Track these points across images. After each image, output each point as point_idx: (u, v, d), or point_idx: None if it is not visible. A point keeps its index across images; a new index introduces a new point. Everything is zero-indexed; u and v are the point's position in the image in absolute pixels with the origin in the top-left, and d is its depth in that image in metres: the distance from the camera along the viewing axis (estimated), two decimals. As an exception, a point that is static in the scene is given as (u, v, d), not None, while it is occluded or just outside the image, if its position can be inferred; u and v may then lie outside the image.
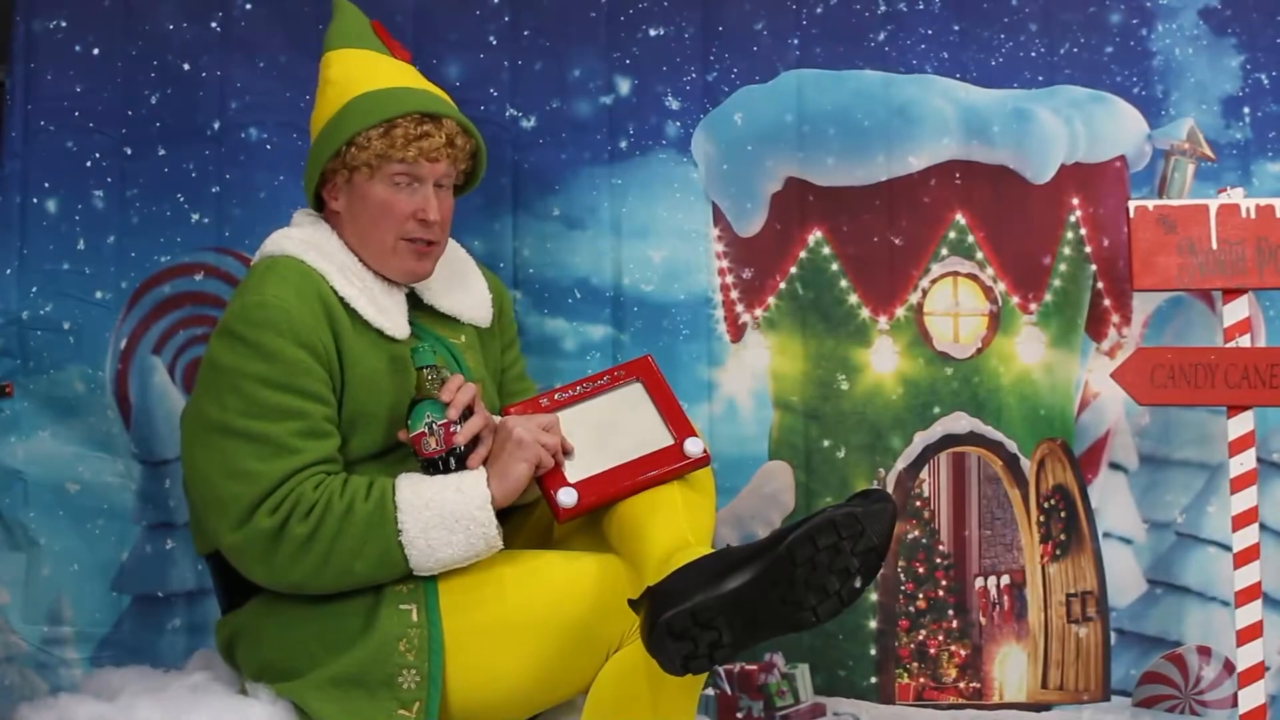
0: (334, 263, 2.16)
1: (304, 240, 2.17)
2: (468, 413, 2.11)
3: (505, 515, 2.33)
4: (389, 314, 2.18)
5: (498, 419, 2.17)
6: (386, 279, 2.22)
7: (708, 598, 1.86)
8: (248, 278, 2.16)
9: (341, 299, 2.13)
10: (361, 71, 2.24)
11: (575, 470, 2.14)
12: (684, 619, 1.85)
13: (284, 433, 2.03)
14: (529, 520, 2.30)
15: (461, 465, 2.09)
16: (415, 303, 2.28)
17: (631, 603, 1.93)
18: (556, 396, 2.23)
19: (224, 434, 2.03)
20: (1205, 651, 2.75)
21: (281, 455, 2.02)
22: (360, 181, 2.18)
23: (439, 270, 2.29)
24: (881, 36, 2.82)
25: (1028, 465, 2.77)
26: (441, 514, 2.03)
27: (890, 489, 2.74)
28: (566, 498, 2.10)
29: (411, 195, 2.18)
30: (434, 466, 2.09)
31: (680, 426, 2.17)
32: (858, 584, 1.90)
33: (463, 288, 2.36)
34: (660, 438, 2.16)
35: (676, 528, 2.05)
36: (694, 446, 2.14)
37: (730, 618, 1.87)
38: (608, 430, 2.18)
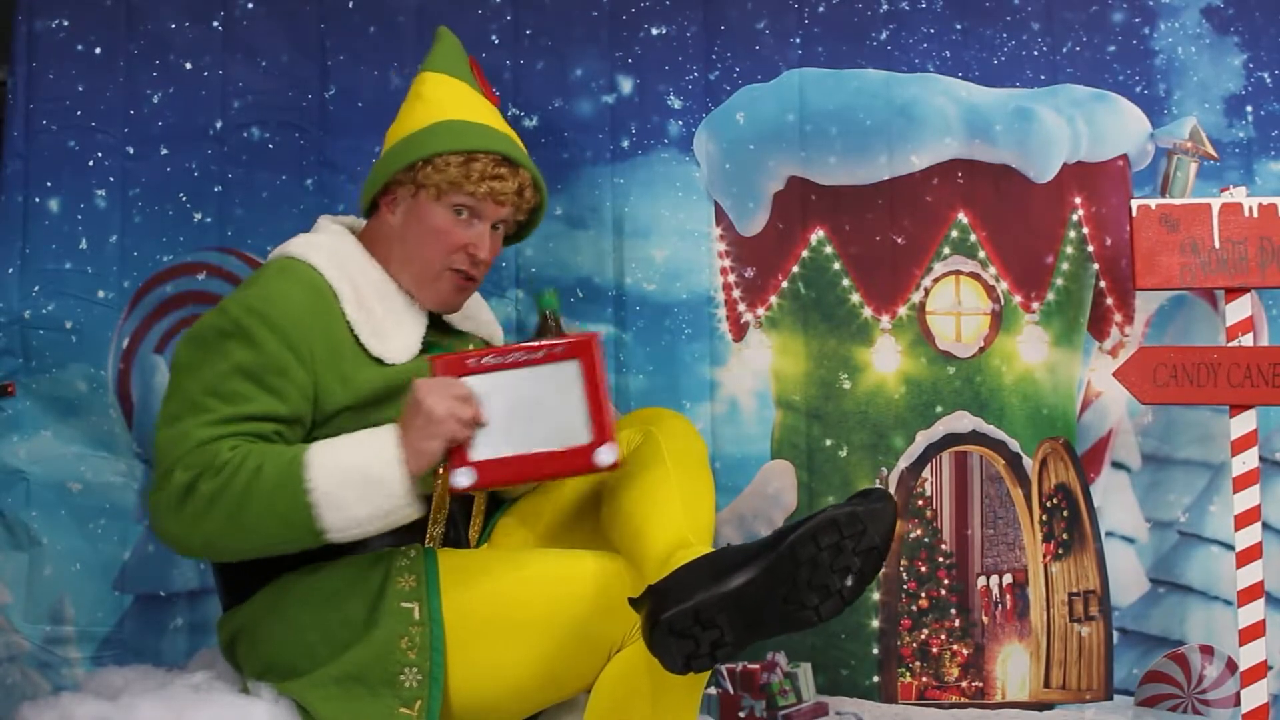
0: (351, 282, 2.15)
1: (328, 249, 2.17)
2: None
3: (501, 508, 2.34)
4: (403, 333, 2.17)
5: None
6: (410, 299, 2.22)
7: (709, 596, 1.86)
8: (263, 269, 2.16)
9: (347, 321, 2.12)
10: (454, 100, 2.27)
11: (482, 446, 2.04)
12: (686, 618, 1.85)
13: (230, 413, 2.02)
14: (529, 520, 2.30)
15: None
16: (432, 321, 2.28)
17: (633, 602, 1.93)
18: (486, 360, 2.09)
19: (179, 390, 2.05)
20: (1208, 651, 2.75)
21: (217, 425, 2.01)
22: (424, 201, 2.19)
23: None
24: (884, 35, 2.82)
25: (1030, 464, 2.77)
26: (351, 471, 1.98)
27: (892, 488, 2.74)
28: (463, 479, 2.03)
29: (468, 229, 2.20)
30: None
31: (600, 428, 2.05)
32: (859, 583, 1.90)
33: (476, 305, 2.41)
34: (577, 434, 2.05)
35: (677, 527, 2.05)
36: (606, 456, 2.04)
37: (732, 616, 1.87)
38: (528, 408, 2.06)
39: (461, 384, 2.04)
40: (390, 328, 2.16)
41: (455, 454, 2.03)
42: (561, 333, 2.08)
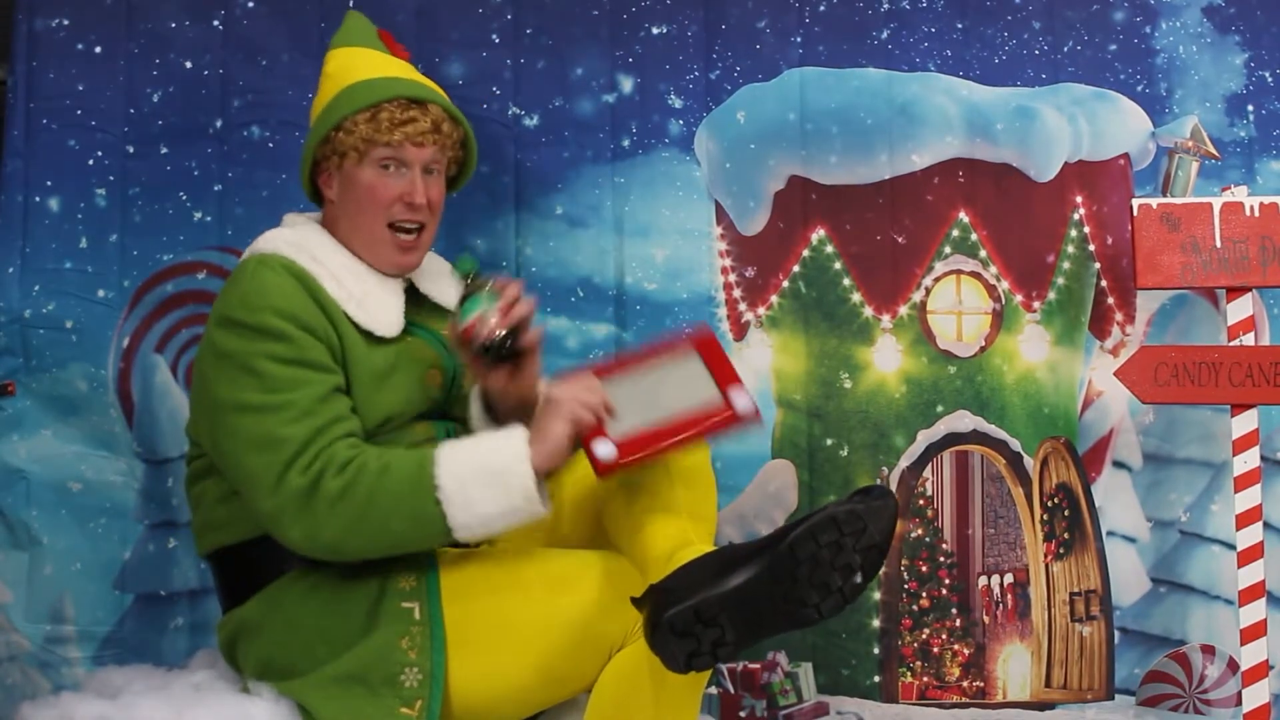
0: (325, 266, 2.16)
1: (293, 242, 2.18)
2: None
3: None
4: (384, 309, 2.18)
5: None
6: (379, 271, 2.23)
7: (710, 595, 1.86)
8: (237, 272, 2.15)
9: (333, 299, 2.13)
10: (356, 65, 2.28)
11: (616, 429, 2.05)
12: (687, 617, 1.84)
13: (303, 399, 2.03)
14: (531, 524, 2.29)
15: (515, 348, 2.09)
16: (412, 298, 2.28)
17: (634, 601, 1.93)
18: (609, 363, 2.17)
19: (242, 412, 2.03)
20: (1209, 650, 2.75)
21: (304, 418, 2.02)
22: (350, 168, 2.20)
23: (431, 262, 2.32)
24: (884, 34, 2.82)
25: (1031, 464, 2.77)
26: (479, 468, 2.00)
27: (893, 488, 2.74)
28: (604, 450, 2.01)
29: (398, 179, 2.20)
30: (486, 351, 2.08)
31: (727, 380, 2.07)
32: (860, 581, 1.90)
33: (449, 280, 2.37)
34: (707, 394, 2.07)
35: (679, 526, 2.05)
36: (740, 400, 2.04)
37: (733, 615, 1.87)
38: (654, 392, 2.10)
39: (588, 376, 2.08)
40: (372, 303, 2.17)
41: (590, 435, 2.03)
42: (491, 283, 2.09)
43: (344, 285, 2.16)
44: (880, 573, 2.69)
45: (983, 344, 2.78)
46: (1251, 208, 2.60)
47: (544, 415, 2.04)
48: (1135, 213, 2.61)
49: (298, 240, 2.19)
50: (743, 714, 2.71)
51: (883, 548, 1.91)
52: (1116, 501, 2.79)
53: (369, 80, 2.23)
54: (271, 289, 2.08)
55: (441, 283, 2.34)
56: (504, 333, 2.08)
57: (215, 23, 2.78)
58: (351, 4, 2.79)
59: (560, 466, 2.06)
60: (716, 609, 1.85)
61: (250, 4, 2.79)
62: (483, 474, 2.00)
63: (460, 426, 2.27)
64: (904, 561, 2.74)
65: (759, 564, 1.88)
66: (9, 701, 2.54)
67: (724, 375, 2.09)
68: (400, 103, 2.20)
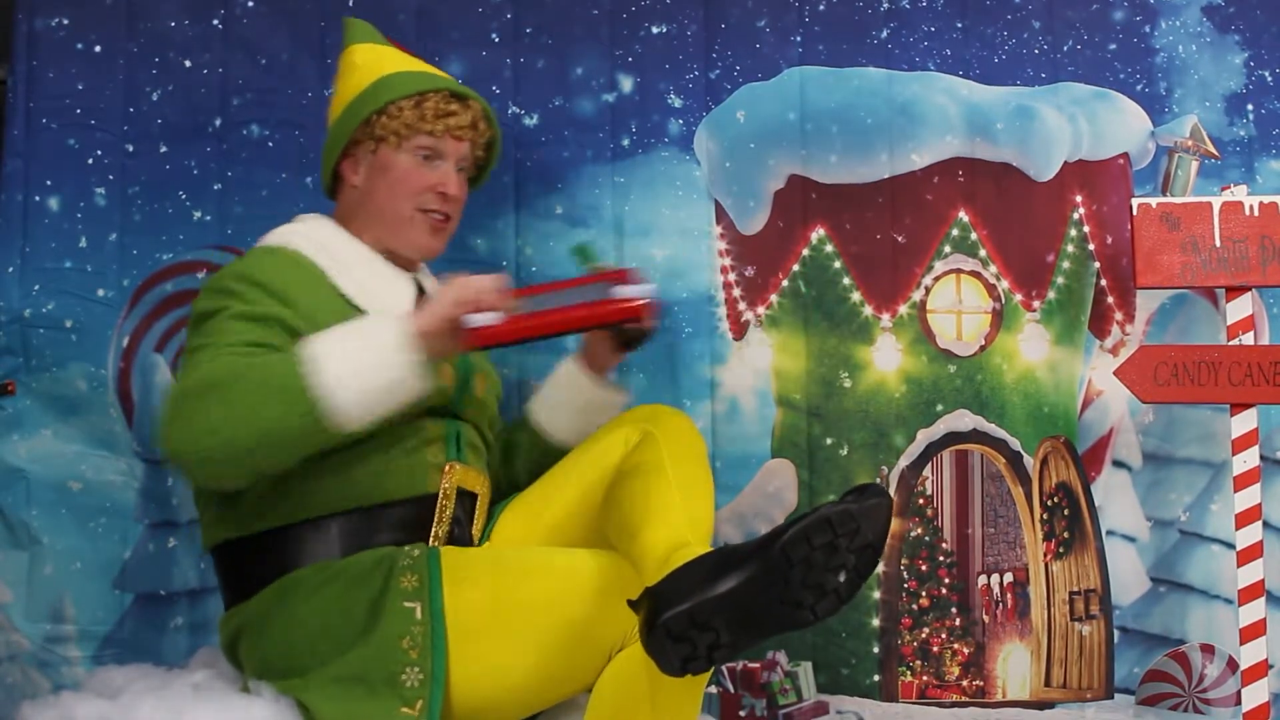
0: (337, 260, 2.20)
1: (306, 235, 2.21)
2: None
3: (502, 505, 2.33)
4: (391, 291, 2.21)
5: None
6: (394, 264, 2.26)
7: (704, 599, 1.85)
8: (243, 255, 2.21)
9: (341, 295, 2.16)
10: (389, 58, 2.35)
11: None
12: (681, 620, 1.84)
13: (234, 340, 2.02)
14: (530, 516, 2.30)
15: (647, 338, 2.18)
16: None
17: (631, 604, 1.93)
18: (531, 287, 2.15)
19: (187, 364, 2.05)
20: (1209, 649, 2.75)
21: (218, 351, 2.01)
22: (385, 152, 2.26)
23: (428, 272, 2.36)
24: (884, 34, 2.82)
25: (1031, 463, 2.77)
26: (349, 330, 1.99)
27: (893, 487, 2.74)
28: (480, 318, 1.95)
29: (433, 169, 2.27)
30: (633, 338, 2.22)
31: (619, 275, 2.04)
32: (855, 581, 1.89)
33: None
34: (601, 294, 2.05)
35: (675, 527, 2.04)
36: (629, 290, 2.00)
37: (728, 618, 1.86)
38: (561, 299, 2.07)
39: (502, 278, 2.02)
40: (383, 294, 2.20)
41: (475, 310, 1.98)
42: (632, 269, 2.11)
43: (354, 277, 2.20)
44: (880, 572, 2.71)
45: (982, 343, 2.79)
46: (1251, 207, 2.60)
47: (437, 291, 2.04)
48: (1135, 212, 2.61)
49: (308, 233, 2.23)
50: (742, 713, 2.71)
51: (877, 548, 1.90)
52: (1116, 501, 2.79)
53: (410, 72, 2.30)
54: (265, 266, 2.13)
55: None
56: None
57: (215, 22, 2.78)
58: (351, 3, 2.79)
59: (440, 343, 1.99)
60: (711, 612, 1.85)
61: (250, 3, 2.79)
62: (352, 333, 1.98)
63: (470, 429, 2.27)
64: (904, 560, 2.74)
65: (752, 566, 1.87)
66: (9, 701, 2.54)
67: (626, 281, 2.03)
68: (445, 95, 2.28)
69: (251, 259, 2.18)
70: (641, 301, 2.02)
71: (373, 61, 2.33)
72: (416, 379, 1.98)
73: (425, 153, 2.27)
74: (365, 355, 1.95)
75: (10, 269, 2.70)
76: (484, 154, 2.40)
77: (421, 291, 2.31)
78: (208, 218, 2.75)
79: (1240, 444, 2.58)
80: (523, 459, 2.44)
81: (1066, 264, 2.80)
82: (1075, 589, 2.76)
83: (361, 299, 2.18)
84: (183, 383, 1.98)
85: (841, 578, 1.88)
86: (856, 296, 2.78)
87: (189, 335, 2.12)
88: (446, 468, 2.19)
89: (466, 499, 2.23)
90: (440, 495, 2.18)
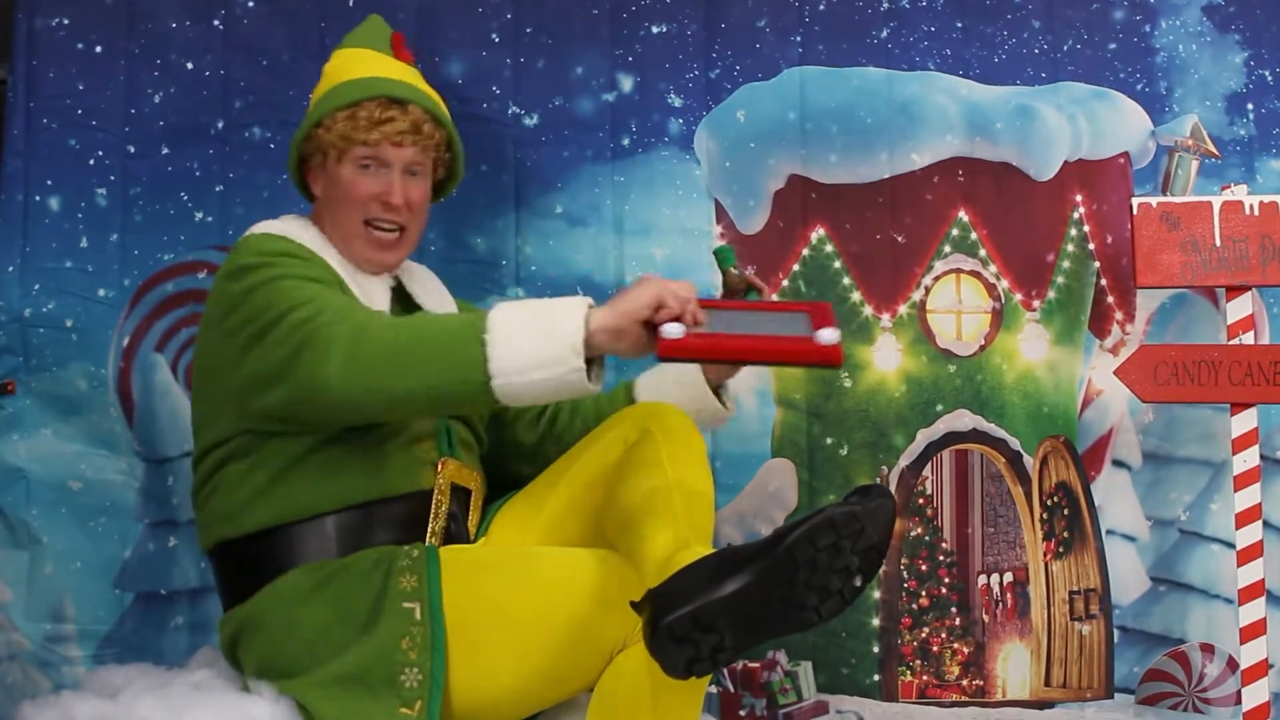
0: (320, 254, 2.20)
1: (285, 230, 2.21)
2: None
3: (499, 501, 2.33)
4: (373, 300, 2.20)
5: None
6: (363, 270, 2.26)
7: (708, 601, 1.84)
8: (235, 248, 2.18)
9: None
10: (350, 64, 2.31)
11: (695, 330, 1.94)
12: (685, 622, 1.83)
13: (329, 295, 2.04)
14: (528, 511, 2.29)
15: None
16: (399, 298, 2.30)
17: (634, 605, 1.92)
18: (718, 300, 2.13)
19: (278, 311, 2.02)
20: (1209, 649, 2.75)
21: (337, 302, 2.02)
22: (331, 166, 2.23)
23: (422, 272, 2.35)
24: (884, 33, 2.82)
25: (1031, 463, 2.77)
26: (534, 310, 1.95)
27: (893, 487, 2.74)
28: (672, 329, 1.89)
29: (377, 178, 2.22)
30: None
31: (821, 319, 1.95)
32: (859, 583, 1.89)
33: (439, 293, 2.40)
34: (796, 328, 1.96)
35: (676, 527, 2.03)
36: (828, 335, 1.90)
37: (732, 620, 1.85)
38: (747, 324, 2.00)
39: (692, 287, 1.96)
40: (360, 293, 2.19)
41: (664, 319, 1.92)
42: (748, 283, 2.08)
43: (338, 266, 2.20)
44: (880, 571, 2.71)
45: (982, 343, 2.79)
46: (1251, 206, 2.60)
47: (629, 288, 1.98)
48: (1135, 211, 2.61)
49: (289, 230, 2.22)
50: (743, 713, 2.71)
51: (881, 549, 1.90)
52: (1116, 500, 2.79)
53: (354, 80, 2.26)
54: (259, 244, 2.13)
55: (429, 286, 2.35)
56: None
57: (216, 23, 2.78)
58: (351, 3, 2.79)
59: (625, 344, 1.94)
60: (715, 615, 1.84)
61: (250, 4, 2.79)
62: (536, 316, 1.94)
63: (461, 425, 2.27)
64: (904, 560, 2.74)
65: (756, 568, 1.87)
66: (9, 701, 2.54)
67: (822, 319, 1.96)
68: (380, 101, 2.22)
69: (256, 241, 2.16)
70: (838, 347, 1.91)
71: (335, 70, 2.31)
72: (590, 383, 1.94)
73: (365, 162, 2.21)
74: (547, 349, 1.91)
75: (10, 269, 2.70)
76: (445, 154, 2.31)
77: (401, 291, 2.30)
78: (209, 219, 2.75)
79: (1240, 443, 2.58)
80: (587, 421, 2.38)
81: (1066, 264, 2.80)
82: (1075, 589, 2.76)
83: (348, 284, 2.18)
84: (331, 323, 1.95)
85: (846, 580, 1.88)
86: (856, 296, 2.78)
87: (241, 312, 2.06)
88: (440, 464, 2.19)
89: (461, 495, 2.23)
90: (435, 491, 2.18)
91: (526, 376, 1.92)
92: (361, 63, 2.31)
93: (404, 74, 2.32)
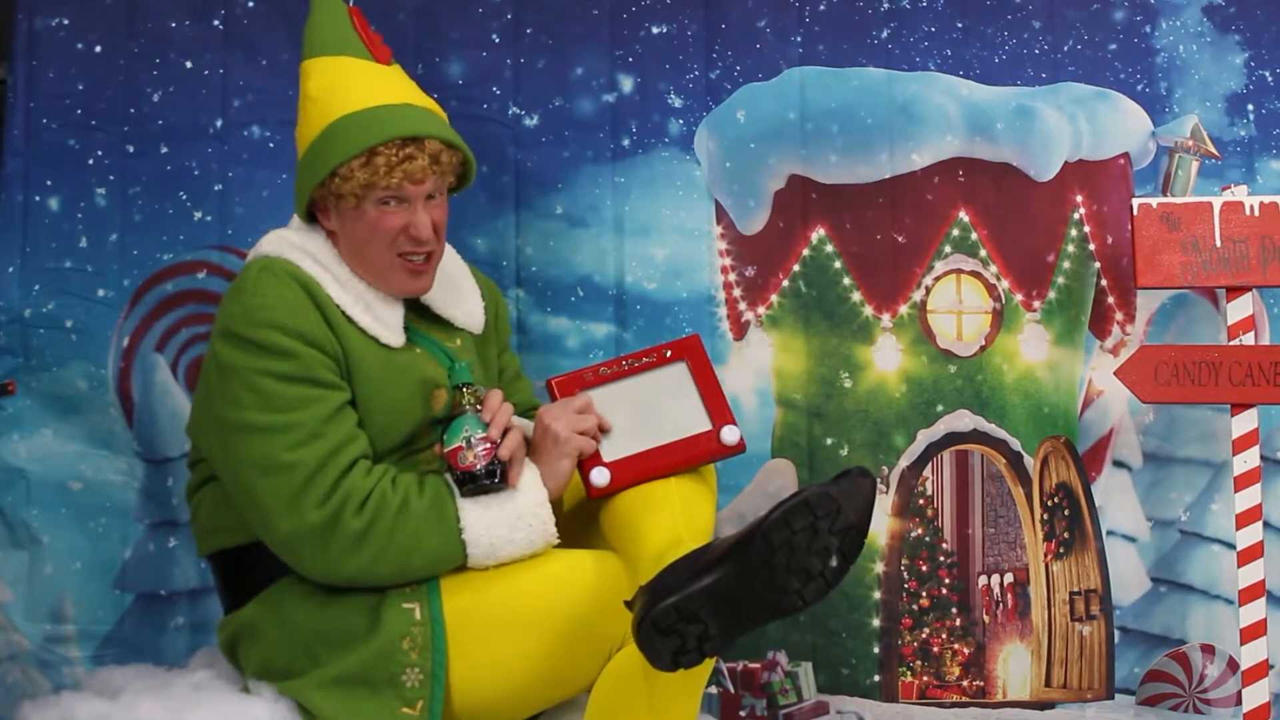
0: (330, 271, 2.16)
1: (300, 247, 2.16)
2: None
3: None
4: (384, 322, 2.17)
5: (526, 424, 2.20)
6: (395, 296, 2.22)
7: (690, 591, 1.86)
8: (242, 278, 2.14)
9: (337, 305, 2.13)
10: (341, 86, 2.19)
11: (611, 449, 2.16)
12: (668, 614, 1.84)
13: (309, 419, 2.03)
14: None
15: (503, 480, 2.09)
16: (411, 304, 2.27)
17: (627, 603, 1.93)
18: (601, 371, 2.23)
19: (247, 433, 2.03)
20: (1209, 650, 2.75)
21: (312, 440, 2.02)
22: (347, 208, 2.15)
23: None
24: (884, 34, 2.82)
25: (1031, 463, 2.77)
26: (502, 512, 2.07)
27: (893, 487, 2.74)
28: (599, 477, 2.13)
29: (400, 215, 2.15)
30: (470, 480, 2.07)
31: (719, 412, 2.18)
32: (836, 563, 1.89)
33: (455, 293, 2.34)
34: (698, 422, 2.18)
35: (671, 526, 2.05)
36: (730, 434, 2.16)
37: (715, 609, 1.86)
38: (647, 410, 2.20)
39: (580, 398, 2.17)
40: (376, 308, 2.17)
41: (588, 461, 2.14)
42: (481, 401, 2.13)
43: (348, 289, 2.16)
44: (880, 572, 2.71)
45: (983, 343, 2.78)
46: (1251, 207, 2.60)
47: (549, 452, 2.12)
48: (1135, 212, 2.61)
49: (302, 243, 2.18)
50: (743, 713, 2.71)
51: (861, 529, 1.90)
52: (1116, 501, 2.79)
53: (360, 114, 2.14)
54: (275, 301, 2.07)
55: (440, 278, 2.32)
56: (484, 467, 2.07)
57: (215, 22, 2.78)
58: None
59: (564, 486, 2.15)
60: (698, 604, 1.85)
61: (250, 4, 2.79)
62: (508, 519, 2.07)
63: None
64: (904, 561, 2.74)
65: (735, 556, 1.89)
66: (9, 701, 2.54)
67: (712, 397, 2.20)
68: (395, 143, 2.12)
69: (260, 287, 2.09)
70: (742, 441, 2.18)
71: (324, 93, 2.18)
72: (554, 540, 2.12)
73: (389, 200, 2.13)
74: (517, 536, 2.07)
75: (10, 269, 2.70)
76: (461, 169, 2.25)
77: (412, 302, 2.27)
78: (208, 218, 2.75)
79: (1241, 444, 2.58)
80: None
81: (1067, 264, 2.80)
82: (1075, 589, 2.76)
83: (361, 314, 2.14)
84: (313, 508, 2.01)
85: (825, 561, 1.88)
86: (857, 296, 2.78)
87: (222, 383, 2.06)
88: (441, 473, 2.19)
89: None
90: None
91: (502, 559, 2.09)
92: (351, 83, 2.19)
93: (401, 91, 2.22)
